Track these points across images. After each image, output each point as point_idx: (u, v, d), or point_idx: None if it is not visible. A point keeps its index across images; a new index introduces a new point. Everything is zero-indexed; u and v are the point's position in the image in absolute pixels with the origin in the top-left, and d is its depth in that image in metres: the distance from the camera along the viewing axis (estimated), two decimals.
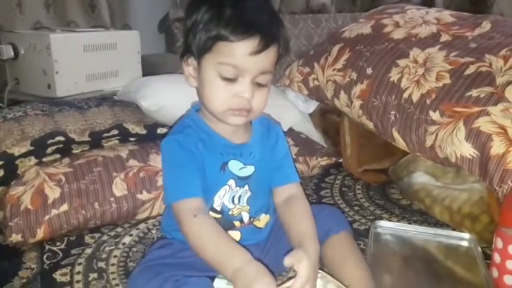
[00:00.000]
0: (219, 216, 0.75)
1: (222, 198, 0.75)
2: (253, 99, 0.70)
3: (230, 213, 0.75)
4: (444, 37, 1.10)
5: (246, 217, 0.77)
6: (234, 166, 0.75)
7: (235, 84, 0.69)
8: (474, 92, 0.93)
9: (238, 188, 0.76)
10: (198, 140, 0.74)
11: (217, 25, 0.67)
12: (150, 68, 1.58)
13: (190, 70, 0.74)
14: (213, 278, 0.70)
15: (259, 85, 0.71)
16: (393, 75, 1.06)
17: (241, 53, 0.67)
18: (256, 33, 0.66)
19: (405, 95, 1.02)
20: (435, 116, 0.95)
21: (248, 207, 0.77)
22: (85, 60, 1.44)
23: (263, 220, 0.80)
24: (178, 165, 0.72)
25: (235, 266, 0.62)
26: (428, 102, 0.98)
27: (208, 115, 0.76)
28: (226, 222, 0.75)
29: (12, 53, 1.43)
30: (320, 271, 0.72)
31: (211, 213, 0.74)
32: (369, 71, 1.10)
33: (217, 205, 0.75)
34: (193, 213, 0.68)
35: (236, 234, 0.77)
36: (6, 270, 0.83)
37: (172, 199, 0.71)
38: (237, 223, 0.76)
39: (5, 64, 1.49)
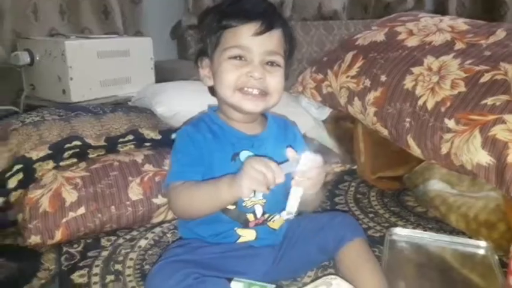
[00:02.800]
0: (233, 207, 0.76)
1: None
2: (267, 79, 0.73)
3: (244, 204, 0.76)
4: (459, 45, 1.10)
5: (259, 210, 0.77)
6: (245, 156, 0.77)
7: (245, 65, 0.72)
8: (489, 100, 0.93)
9: None
10: (207, 131, 0.77)
11: (220, 20, 0.73)
12: (163, 74, 1.60)
13: (205, 72, 0.78)
14: (230, 280, 0.70)
15: (271, 64, 0.73)
16: (408, 83, 1.06)
17: (245, 34, 0.71)
18: (257, 18, 0.71)
19: (420, 102, 1.02)
20: (450, 123, 0.95)
21: (263, 201, 0.77)
22: (98, 67, 1.46)
23: (278, 222, 0.81)
24: (181, 152, 0.76)
25: (226, 183, 0.66)
26: (443, 110, 0.97)
27: (225, 111, 0.78)
28: (240, 214, 0.76)
29: (28, 59, 1.45)
30: (336, 277, 0.73)
31: None
32: (383, 78, 1.11)
33: None
34: (178, 187, 0.72)
35: (251, 233, 0.78)
36: (25, 271, 0.84)
37: (168, 180, 0.75)
38: (250, 216, 0.77)
39: (21, 70, 1.52)
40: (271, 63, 0.73)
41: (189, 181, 0.73)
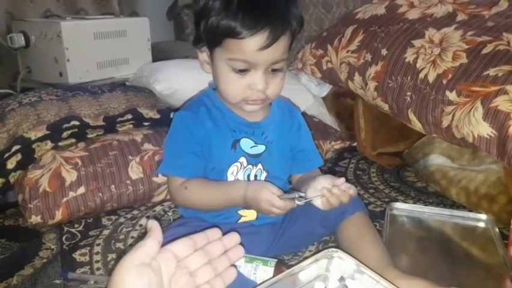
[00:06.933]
0: None
1: (235, 175, 0.77)
2: (269, 86, 0.71)
3: None
4: (461, 16, 1.08)
5: None
6: (246, 144, 0.76)
7: (248, 75, 0.70)
8: (491, 71, 0.91)
9: (250, 165, 0.77)
10: (207, 118, 0.75)
11: (225, 19, 0.66)
12: (160, 55, 1.58)
13: (204, 57, 0.75)
14: None
15: (274, 71, 0.71)
16: (409, 56, 1.04)
17: (250, 50, 0.67)
18: (265, 27, 0.65)
19: (421, 75, 1.00)
20: (452, 96, 0.94)
21: None
22: (95, 48, 1.44)
23: None
24: (178, 143, 0.75)
25: (241, 193, 0.70)
26: (444, 82, 0.96)
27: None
28: None
29: (24, 41, 1.43)
30: (337, 250, 0.73)
31: None
32: (384, 52, 1.09)
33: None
34: (183, 187, 0.73)
35: (252, 213, 0.78)
36: (27, 251, 0.84)
37: (164, 171, 0.78)
38: None
39: (16, 52, 1.49)
40: (275, 70, 0.71)
41: (194, 180, 0.73)
